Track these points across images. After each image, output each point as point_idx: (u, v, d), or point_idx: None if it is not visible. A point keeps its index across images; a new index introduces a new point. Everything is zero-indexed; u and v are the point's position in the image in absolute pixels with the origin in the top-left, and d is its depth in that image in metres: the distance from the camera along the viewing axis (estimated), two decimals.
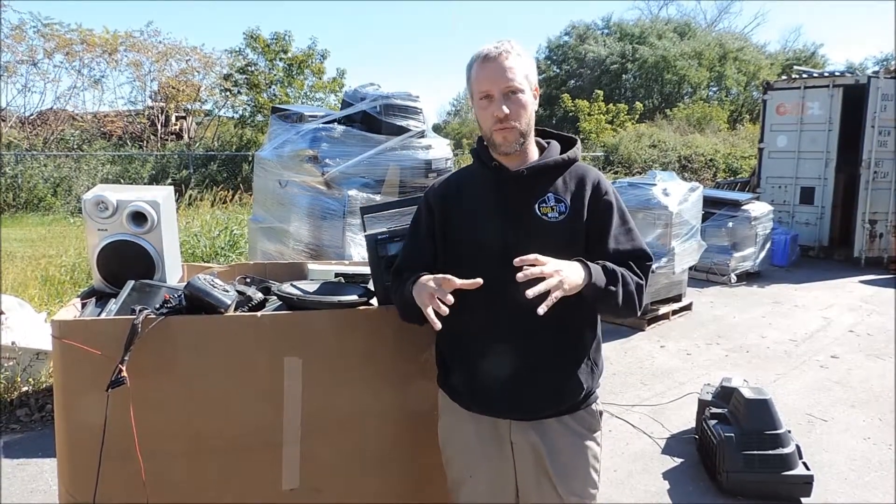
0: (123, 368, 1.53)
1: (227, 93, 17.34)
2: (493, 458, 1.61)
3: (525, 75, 1.51)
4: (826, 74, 9.59)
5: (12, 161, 13.24)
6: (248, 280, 2.05)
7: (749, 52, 29.28)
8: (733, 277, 7.44)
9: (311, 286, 1.92)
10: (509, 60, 1.48)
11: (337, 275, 2.15)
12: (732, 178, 14.81)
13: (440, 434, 1.73)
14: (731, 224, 7.58)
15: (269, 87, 17.36)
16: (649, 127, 21.87)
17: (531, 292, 1.29)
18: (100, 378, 1.54)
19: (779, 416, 2.93)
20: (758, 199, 8.41)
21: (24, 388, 3.70)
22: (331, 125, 3.91)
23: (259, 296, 1.85)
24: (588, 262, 1.46)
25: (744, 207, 7.70)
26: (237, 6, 62.37)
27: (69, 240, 7.75)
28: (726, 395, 3.21)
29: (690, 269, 6.35)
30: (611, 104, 23.59)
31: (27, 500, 2.83)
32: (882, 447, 3.43)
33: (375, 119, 3.91)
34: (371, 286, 1.93)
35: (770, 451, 2.85)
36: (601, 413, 1.66)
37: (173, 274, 2.10)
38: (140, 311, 1.61)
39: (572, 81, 28.70)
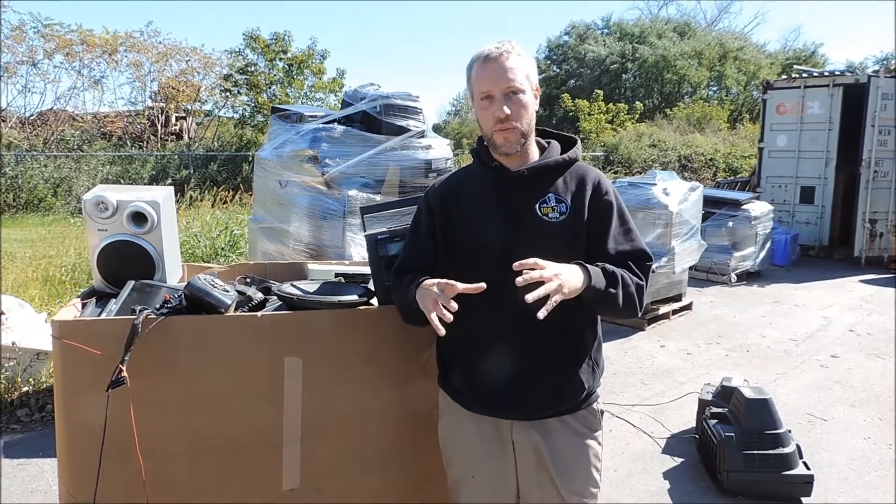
0: (124, 368, 1.53)
1: (227, 93, 17.34)
2: (494, 458, 1.61)
3: (526, 75, 1.50)
4: (826, 74, 9.59)
5: (12, 161, 13.25)
6: (248, 280, 2.05)
7: (749, 51, 29.28)
8: (733, 277, 7.44)
9: (311, 286, 1.92)
10: (510, 61, 1.48)
11: (337, 275, 2.15)
12: (732, 178, 14.80)
13: (440, 434, 1.73)
14: (731, 224, 7.58)
15: (269, 87, 17.36)
16: (649, 126, 21.87)
17: (530, 297, 1.29)
18: (100, 378, 1.54)
19: (779, 416, 2.93)
20: (758, 198, 8.41)
21: (25, 389, 3.70)
22: (331, 125, 3.91)
23: (259, 296, 1.85)
24: (587, 265, 1.46)
25: (744, 207, 7.70)
26: (237, 6, 62.44)
27: (69, 240, 7.76)
28: (726, 394, 3.21)
29: (690, 268, 6.35)
30: (611, 104, 23.59)
31: (27, 500, 2.84)
32: (882, 447, 3.43)
33: (375, 119, 3.91)
34: (371, 286, 1.93)
35: (770, 451, 2.85)
36: (602, 412, 1.67)
37: (173, 274, 2.10)
38: (140, 311, 1.61)
39: (572, 81, 28.71)
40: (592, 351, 1.62)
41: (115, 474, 1.62)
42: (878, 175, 8.46)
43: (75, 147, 15.03)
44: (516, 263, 1.34)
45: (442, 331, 1.38)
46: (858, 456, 3.32)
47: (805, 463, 2.88)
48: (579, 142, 1.67)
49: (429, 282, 1.50)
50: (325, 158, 3.77)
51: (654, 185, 6.02)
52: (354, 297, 1.82)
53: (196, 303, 1.66)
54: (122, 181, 13.62)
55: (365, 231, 1.99)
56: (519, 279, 1.31)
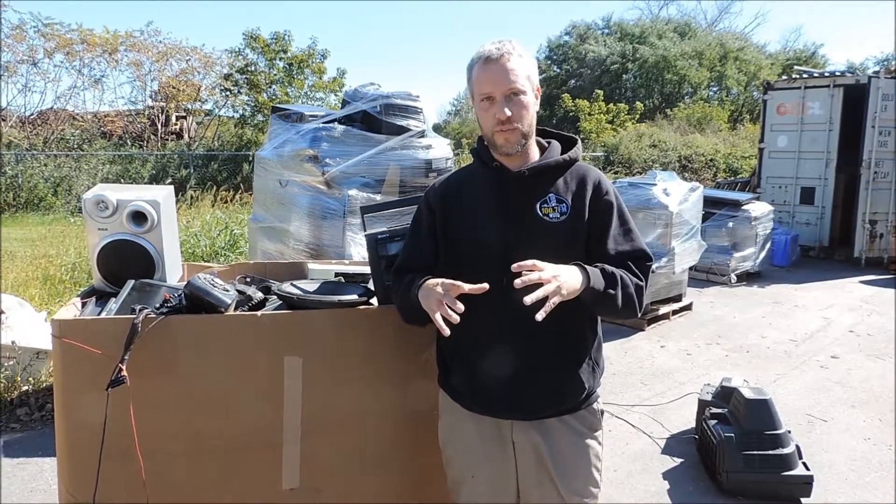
0: (123, 368, 1.53)
1: (228, 92, 17.34)
2: (494, 458, 1.61)
3: (527, 76, 1.50)
4: (826, 74, 9.59)
5: (12, 161, 13.25)
6: (248, 279, 2.05)
7: (749, 52, 29.28)
8: (733, 277, 7.44)
9: (311, 286, 1.92)
10: (511, 62, 1.47)
11: (337, 274, 2.15)
12: (733, 178, 14.81)
13: (440, 434, 1.73)
14: (731, 224, 7.58)
15: (270, 86, 17.36)
16: (649, 127, 21.87)
17: (529, 299, 1.29)
18: (100, 377, 1.54)
19: (779, 417, 2.93)
20: (758, 199, 8.41)
21: (25, 388, 3.70)
22: (331, 125, 3.91)
23: (259, 295, 1.85)
24: (586, 266, 1.46)
25: (744, 207, 7.70)
26: (237, 6, 62.40)
27: (69, 239, 7.75)
28: (726, 395, 3.21)
29: (690, 269, 6.35)
30: (611, 104, 23.58)
31: (27, 499, 2.83)
32: (882, 447, 3.43)
33: (376, 119, 3.91)
34: (371, 286, 1.93)
35: (770, 452, 2.85)
36: (602, 412, 1.66)
37: (173, 273, 2.10)
38: (140, 310, 1.61)
39: (573, 81, 28.71)
40: (592, 351, 1.61)
41: (115, 474, 1.62)
42: (878, 176, 8.46)
43: (75, 146, 15.04)
44: (515, 265, 1.34)
45: (447, 331, 1.38)
46: (858, 457, 3.32)
47: (805, 463, 2.88)
48: (580, 142, 1.67)
49: (432, 282, 1.49)
50: (325, 158, 3.77)
51: (655, 185, 6.02)
52: (354, 297, 1.82)
53: (196, 302, 1.66)
54: (122, 180, 13.63)
55: (365, 231, 1.99)
56: (517, 281, 1.31)
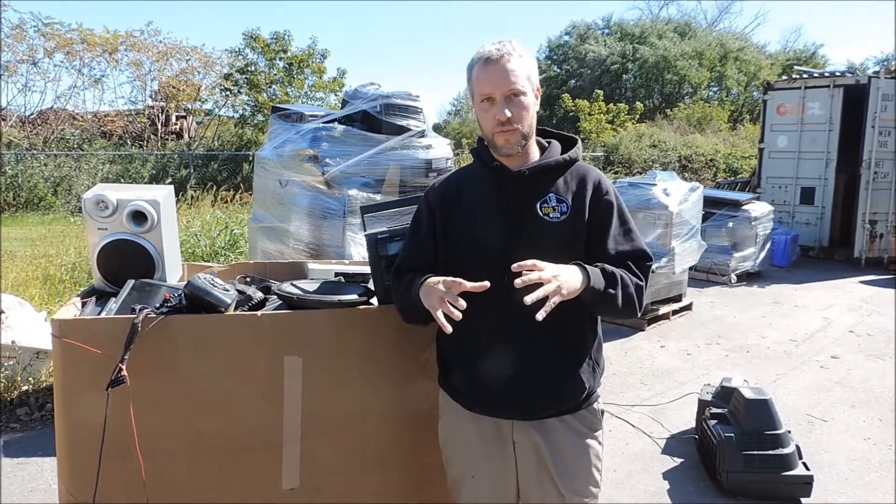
0: (123, 367, 1.53)
1: (228, 92, 17.34)
2: (494, 458, 1.61)
3: (527, 77, 1.50)
4: (826, 74, 9.59)
5: (12, 160, 13.26)
6: (248, 279, 2.05)
7: (749, 52, 29.28)
8: (733, 277, 7.44)
9: (311, 285, 1.92)
10: (511, 63, 1.47)
11: (337, 274, 2.15)
12: (733, 179, 14.81)
13: (441, 434, 1.73)
14: (731, 224, 7.58)
15: (270, 86, 17.37)
16: (649, 127, 21.87)
17: (529, 298, 1.29)
18: (100, 377, 1.54)
19: (779, 417, 2.93)
20: (758, 199, 8.41)
21: (25, 387, 3.70)
22: (331, 124, 3.91)
23: (259, 295, 1.85)
24: (587, 266, 1.46)
25: (744, 207, 7.70)
26: (237, 6, 62.38)
27: (69, 239, 7.75)
28: (726, 395, 3.21)
29: (691, 269, 6.35)
30: (611, 104, 23.59)
31: (27, 499, 2.83)
32: (882, 447, 3.43)
33: (376, 118, 3.91)
34: (371, 286, 1.93)
35: (770, 452, 2.85)
36: (602, 412, 1.66)
37: (173, 273, 2.10)
38: (140, 310, 1.61)
39: (573, 81, 28.71)
40: (593, 351, 1.61)
41: (115, 473, 1.62)
42: (878, 176, 8.46)
43: (75, 146, 15.05)
44: (515, 265, 1.34)
45: (448, 328, 1.38)
46: (858, 457, 3.32)
47: (805, 463, 2.88)
48: (580, 142, 1.67)
49: (433, 279, 1.49)
50: (325, 158, 3.77)
51: (655, 185, 6.02)
52: (354, 297, 1.82)
53: (196, 302, 1.66)
54: (122, 180, 13.63)
55: (365, 230, 1.99)
56: (517, 281, 1.31)
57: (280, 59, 17.44)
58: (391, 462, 1.87)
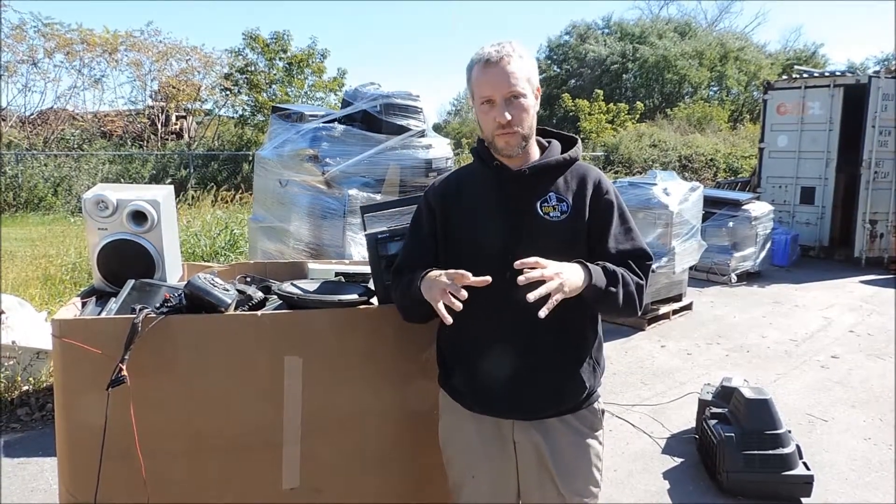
0: (124, 367, 1.53)
1: (228, 92, 17.35)
2: (495, 458, 1.61)
3: (527, 78, 1.49)
4: (827, 74, 9.58)
5: (13, 161, 13.26)
6: (248, 279, 2.05)
7: (750, 51, 29.28)
8: (733, 277, 7.44)
9: (311, 285, 1.92)
10: (511, 65, 1.47)
11: (337, 274, 2.15)
12: (733, 178, 14.81)
13: (441, 434, 1.73)
14: (731, 224, 7.58)
15: (270, 86, 17.37)
16: (650, 127, 21.87)
17: (532, 296, 1.29)
18: (100, 377, 1.54)
19: (779, 416, 2.93)
20: (758, 198, 8.41)
21: (25, 388, 3.70)
22: (331, 124, 3.91)
23: (259, 295, 1.85)
24: (588, 264, 1.46)
25: (744, 207, 7.70)
26: (237, 6, 62.36)
27: (69, 239, 7.75)
28: (726, 394, 3.21)
29: (691, 268, 6.35)
30: (611, 104, 23.59)
31: (27, 499, 2.83)
32: (882, 447, 3.43)
33: (376, 118, 3.91)
34: (371, 285, 1.93)
35: (770, 451, 2.85)
36: (603, 412, 1.66)
37: (173, 273, 2.10)
38: (140, 310, 1.61)
39: (573, 81, 28.71)
40: (593, 350, 1.61)
41: (116, 473, 1.62)
42: (878, 176, 8.46)
43: (75, 146, 15.05)
44: (517, 262, 1.34)
45: (449, 319, 1.38)
46: (859, 456, 3.32)
47: (805, 463, 2.88)
48: (580, 141, 1.67)
49: (435, 273, 1.49)
50: (325, 157, 3.77)
51: (655, 185, 6.02)
52: (354, 297, 1.82)
53: (196, 302, 1.65)
54: (122, 180, 13.63)
55: (365, 230, 1.99)
56: (520, 278, 1.31)
57: (280, 59, 17.45)
58: (391, 462, 1.87)
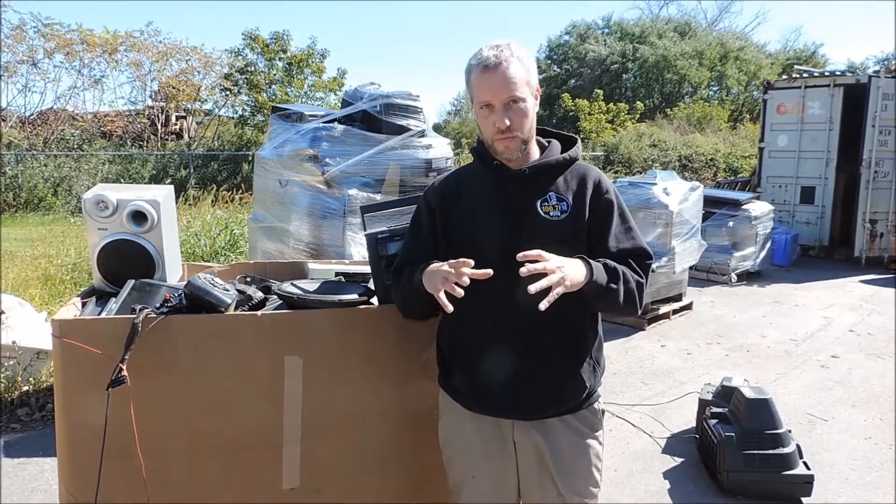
0: (124, 367, 1.53)
1: (227, 92, 17.35)
2: (495, 458, 1.61)
3: (526, 81, 1.48)
4: (827, 74, 9.58)
5: (12, 161, 13.26)
6: (248, 279, 2.05)
7: (750, 51, 29.27)
8: (734, 277, 7.44)
9: (311, 285, 1.92)
10: (510, 69, 1.45)
11: (337, 274, 2.15)
12: (733, 178, 14.80)
13: (441, 434, 1.73)
14: (731, 223, 7.58)
15: (269, 86, 17.37)
16: (650, 126, 21.87)
17: (533, 288, 1.29)
18: (100, 377, 1.54)
19: (779, 416, 2.93)
20: (758, 198, 8.41)
21: (25, 388, 3.70)
22: (331, 124, 3.91)
23: (259, 295, 1.85)
24: (589, 260, 1.46)
25: (744, 207, 7.70)
26: (237, 6, 62.35)
27: (69, 239, 7.75)
28: (727, 394, 3.21)
29: (691, 268, 6.35)
30: (611, 104, 23.59)
31: (28, 499, 2.83)
32: (883, 447, 3.43)
33: (376, 118, 3.91)
34: (371, 285, 1.93)
35: (770, 451, 2.85)
36: (603, 412, 1.66)
37: (173, 273, 2.10)
38: (140, 310, 1.61)
39: (573, 81, 28.71)
40: (593, 350, 1.61)
41: (116, 473, 1.62)
42: (878, 175, 8.46)
43: (75, 146, 15.05)
44: (520, 254, 1.34)
45: (449, 307, 1.37)
46: (859, 456, 3.32)
47: (805, 463, 2.88)
48: (579, 141, 1.67)
49: (436, 264, 1.48)
50: (325, 157, 3.77)
51: (655, 184, 6.02)
52: (355, 297, 1.82)
53: (196, 302, 1.65)
54: (122, 180, 13.63)
55: (365, 230, 1.99)
56: (523, 269, 1.31)
57: (280, 59, 17.44)
58: (391, 462, 1.87)
